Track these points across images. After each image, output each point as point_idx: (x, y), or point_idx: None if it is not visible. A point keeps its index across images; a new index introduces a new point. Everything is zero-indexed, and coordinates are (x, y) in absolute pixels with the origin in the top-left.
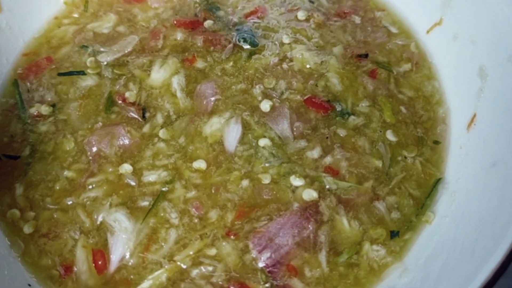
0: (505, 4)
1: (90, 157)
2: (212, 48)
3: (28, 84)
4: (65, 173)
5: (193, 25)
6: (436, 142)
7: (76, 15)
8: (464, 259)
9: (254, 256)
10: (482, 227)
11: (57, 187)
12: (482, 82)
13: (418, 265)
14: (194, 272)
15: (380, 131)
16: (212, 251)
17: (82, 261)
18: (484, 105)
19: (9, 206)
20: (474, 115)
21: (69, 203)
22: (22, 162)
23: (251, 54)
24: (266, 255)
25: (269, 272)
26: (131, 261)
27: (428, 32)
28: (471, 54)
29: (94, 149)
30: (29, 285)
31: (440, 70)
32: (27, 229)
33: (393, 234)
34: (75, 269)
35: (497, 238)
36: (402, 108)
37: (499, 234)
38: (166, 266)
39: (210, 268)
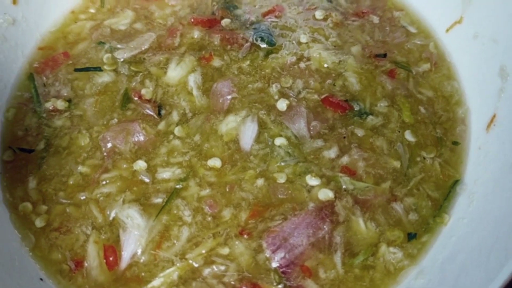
0: None
1: (105, 153)
2: (229, 46)
3: (44, 78)
4: (79, 168)
5: (210, 24)
6: (455, 143)
7: (92, 11)
8: (481, 262)
9: (267, 256)
10: (499, 230)
11: (71, 182)
12: (503, 82)
13: (435, 267)
14: (206, 271)
15: (399, 131)
16: (225, 250)
17: (93, 257)
18: (504, 106)
19: (21, 199)
20: (494, 116)
21: (82, 198)
22: (36, 156)
23: (268, 53)
24: (280, 255)
25: (282, 272)
26: (143, 258)
27: (447, 30)
28: (492, 53)
29: (109, 145)
30: (41, 279)
31: (460, 69)
32: (39, 222)
33: (411, 237)
34: (86, 264)
35: None
36: (421, 108)
37: None
38: (178, 264)
39: (223, 268)
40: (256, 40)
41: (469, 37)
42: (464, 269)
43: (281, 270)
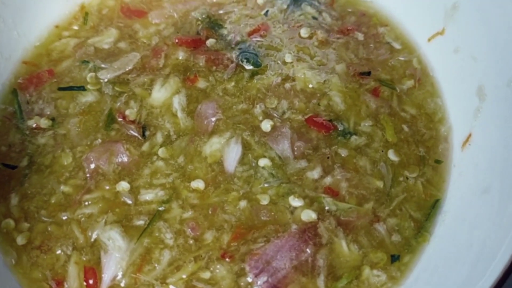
0: (508, 27)
1: (88, 174)
2: (214, 67)
3: (28, 95)
4: (61, 187)
5: (195, 44)
6: (438, 162)
7: (76, 27)
8: (456, 279)
9: (250, 280)
10: (470, 251)
11: (53, 201)
12: (480, 102)
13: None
14: None
15: (382, 151)
16: (206, 274)
17: (73, 278)
18: (479, 126)
19: (4, 216)
20: (470, 135)
21: (64, 218)
22: (19, 172)
23: (253, 74)
24: (262, 279)
25: None
26: (123, 281)
27: (429, 40)
28: (471, 71)
29: (92, 165)
30: None
31: (442, 85)
32: (20, 240)
33: (394, 259)
34: (66, 285)
35: (485, 265)
36: (405, 127)
37: (486, 263)
38: None
39: None
40: (242, 62)
41: (450, 51)
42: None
43: None
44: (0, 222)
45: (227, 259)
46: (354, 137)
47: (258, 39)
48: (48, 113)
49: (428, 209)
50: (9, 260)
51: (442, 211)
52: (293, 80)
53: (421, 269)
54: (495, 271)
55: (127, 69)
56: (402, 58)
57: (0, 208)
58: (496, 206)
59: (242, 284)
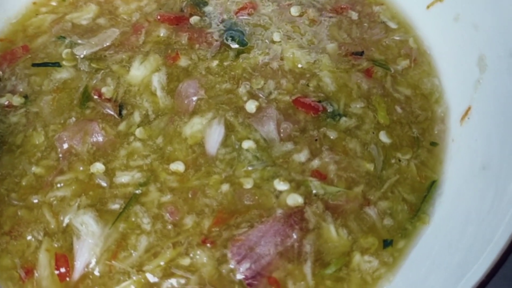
0: None
1: (60, 154)
2: (197, 46)
3: (1, 72)
4: (32, 168)
5: (178, 21)
6: (433, 144)
7: (54, 3)
8: (451, 262)
9: (232, 266)
10: (469, 230)
11: (24, 183)
12: (481, 73)
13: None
14: (165, 285)
15: (373, 133)
16: (186, 261)
17: (44, 266)
18: (479, 99)
19: None
20: (469, 108)
21: (35, 201)
22: None
23: (239, 53)
24: (245, 265)
25: (248, 284)
26: (97, 268)
27: (428, 7)
28: (471, 40)
29: (65, 145)
30: None
31: (439, 61)
32: None
33: (386, 243)
34: (36, 274)
35: (481, 250)
36: (398, 108)
37: (487, 239)
38: (134, 278)
39: (183, 281)
40: (227, 40)
41: (450, 18)
42: (434, 269)
43: (246, 282)
44: None
45: (208, 245)
46: (344, 119)
47: (245, 17)
48: (21, 90)
49: (424, 191)
50: None
51: (439, 192)
52: (281, 59)
53: (416, 254)
54: (492, 253)
55: (104, 45)
56: (397, 38)
57: None
58: (494, 184)
59: (224, 271)
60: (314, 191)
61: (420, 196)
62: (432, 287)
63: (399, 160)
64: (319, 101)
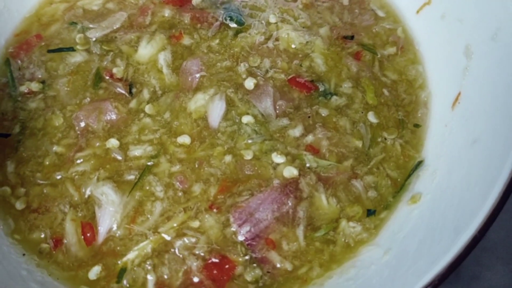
0: None
1: (78, 132)
2: (199, 25)
3: (19, 62)
4: (54, 148)
5: (181, 2)
6: (417, 126)
7: None
8: (443, 233)
9: (234, 229)
10: (463, 201)
11: (47, 163)
12: (468, 61)
13: (395, 241)
14: (178, 244)
15: (362, 112)
16: (195, 224)
17: (71, 234)
18: (468, 84)
19: (0, 184)
20: (459, 94)
21: (58, 177)
22: (13, 139)
23: (237, 32)
24: (245, 229)
25: (248, 245)
26: (118, 232)
27: (418, 11)
28: (457, 33)
29: (82, 124)
30: (24, 254)
31: (425, 54)
32: (19, 205)
33: (370, 213)
34: (65, 241)
35: (475, 210)
36: (385, 91)
37: (477, 207)
38: (151, 238)
39: (193, 240)
40: (226, 20)
41: (437, 17)
42: (425, 242)
43: (247, 243)
44: None
45: (214, 210)
46: (334, 97)
47: None
48: (39, 76)
49: (407, 169)
50: (7, 228)
51: (432, 169)
52: (277, 40)
53: (400, 224)
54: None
55: (114, 28)
56: (387, 26)
57: None
58: (484, 154)
59: (227, 233)
60: (307, 164)
61: (403, 173)
62: (407, 250)
63: (385, 139)
64: (312, 81)
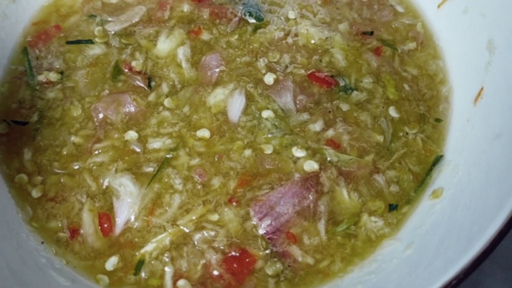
0: None
1: (97, 124)
2: (218, 21)
3: (37, 51)
4: (72, 138)
5: None
6: (438, 120)
7: None
8: (464, 228)
9: (254, 223)
10: (485, 196)
11: (64, 152)
12: (490, 56)
13: (416, 236)
14: (197, 237)
15: (383, 107)
16: (215, 217)
17: (88, 224)
18: (491, 78)
19: (17, 171)
20: (482, 89)
21: (76, 167)
22: (30, 128)
23: (256, 28)
24: (266, 222)
25: (269, 239)
26: (136, 224)
27: (439, 6)
28: (480, 28)
29: (101, 115)
30: (42, 242)
31: (446, 49)
32: (35, 193)
33: (392, 208)
34: (82, 231)
35: (497, 207)
36: (406, 86)
37: (500, 203)
38: (169, 230)
39: (212, 233)
40: (245, 15)
41: (459, 13)
42: (447, 236)
43: (267, 236)
44: (13, 177)
45: (233, 204)
46: (355, 92)
47: None
48: (58, 67)
49: (428, 164)
50: (25, 215)
51: (454, 164)
52: (296, 35)
53: (422, 219)
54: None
55: (133, 22)
56: (406, 21)
57: (13, 163)
58: (508, 149)
59: (247, 227)
60: (328, 158)
61: (425, 168)
62: (428, 245)
63: (407, 134)
64: (332, 76)
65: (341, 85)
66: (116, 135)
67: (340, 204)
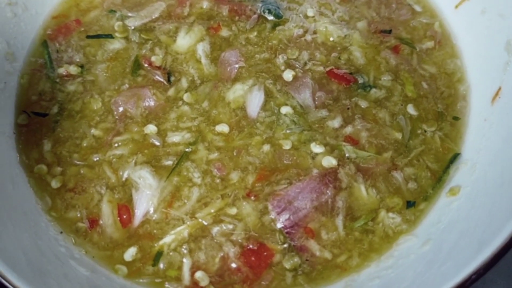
0: None
1: (117, 117)
2: (237, 17)
3: (57, 44)
4: (92, 131)
5: None
6: (456, 118)
7: None
8: (480, 227)
9: (273, 217)
10: (501, 196)
11: (84, 144)
12: (509, 56)
13: (434, 233)
14: (215, 230)
15: (401, 105)
16: (233, 210)
17: (107, 215)
18: (509, 79)
19: (36, 161)
20: (499, 89)
21: (96, 159)
22: (50, 119)
23: (275, 25)
24: (284, 216)
25: (287, 233)
26: (155, 216)
27: (457, 6)
28: (498, 28)
29: (121, 109)
30: (61, 232)
31: (464, 48)
32: (54, 183)
33: (409, 204)
34: (101, 222)
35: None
36: (424, 84)
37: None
38: (188, 223)
39: (231, 226)
40: (264, 12)
41: (477, 13)
42: (464, 234)
43: (285, 231)
44: (33, 168)
45: (252, 198)
46: (374, 90)
47: None
48: (78, 60)
49: (446, 162)
50: (44, 205)
51: (471, 163)
52: (315, 33)
53: (439, 216)
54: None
55: (153, 17)
56: (424, 20)
57: (33, 154)
58: None
59: (266, 221)
60: (347, 155)
61: (443, 165)
62: (445, 242)
63: (425, 131)
64: (351, 73)
65: (359, 82)
66: (136, 129)
67: (358, 200)
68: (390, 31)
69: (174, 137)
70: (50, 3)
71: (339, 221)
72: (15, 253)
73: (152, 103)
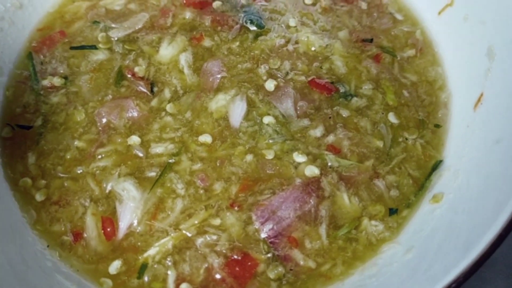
0: None
1: (100, 128)
2: (219, 28)
3: (42, 56)
4: (75, 143)
5: (202, 5)
6: (437, 126)
7: None
8: (464, 232)
9: (256, 227)
10: (483, 201)
11: (68, 156)
12: (490, 62)
13: (417, 240)
14: (199, 241)
15: (382, 113)
16: (217, 221)
17: (91, 228)
18: (491, 85)
19: (21, 175)
20: (481, 95)
21: (79, 172)
22: (34, 132)
23: (257, 35)
24: (268, 226)
25: (270, 243)
26: (139, 228)
27: (440, 13)
28: (480, 35)
29: (104, 120)
30: (48, 246)
31: (445, 56)
32: (38, 196)
33: (392, 212)
34: (85, 235)
35: (497, 211)
36: (405, 92)
37: (499, 208)
38: (172, 234)
39: (215, 237)
40: (246, 23)
41: (459, 20)
42: (446, 240)
43: (269, 240)
44: (17, 181)
45: (235, 208)
46: (355, 99)
47: (263, 3)
48: (61, 71)
49: (428, 169)
50: (30, 218)
51: (454, 169)
52: (296, 43)
53: (422, 223)
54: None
55: (136, 28)
56: (405, 29)
57: (17, 167)
58: (508, 154)
59: (249, 231)
60: (329, 164)
61: (424, 173)
62: (428, 249)
63: (406, 139)
64: (332, 82)
65: (341, 91)
66: (119, 140)
67: (341, 209)
68: (371, 40)
69: (158, 148)
70: (36, 16)
71: (323, 230)
72: (1, 267)
73: (135, 114)
